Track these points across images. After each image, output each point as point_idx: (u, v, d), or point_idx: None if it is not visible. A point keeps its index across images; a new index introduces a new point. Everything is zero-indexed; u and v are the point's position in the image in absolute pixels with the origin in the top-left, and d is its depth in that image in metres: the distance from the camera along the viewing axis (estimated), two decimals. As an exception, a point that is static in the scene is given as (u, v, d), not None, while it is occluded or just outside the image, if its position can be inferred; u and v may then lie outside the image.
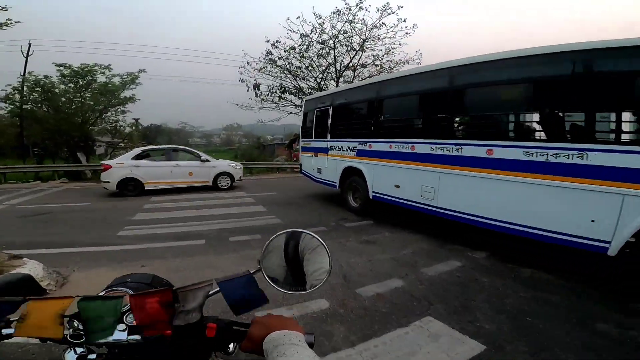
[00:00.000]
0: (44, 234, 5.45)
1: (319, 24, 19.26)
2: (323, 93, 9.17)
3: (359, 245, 5.02)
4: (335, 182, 7.65)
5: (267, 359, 0.54)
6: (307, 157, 8.99)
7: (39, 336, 0.58)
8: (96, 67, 16.96)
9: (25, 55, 17.89)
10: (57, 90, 16.46)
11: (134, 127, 19.45)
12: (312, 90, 20.65)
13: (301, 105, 23.70)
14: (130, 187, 9.77)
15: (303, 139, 9.31)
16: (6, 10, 11.61)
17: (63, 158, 17.51)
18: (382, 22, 19.01)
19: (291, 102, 21.98)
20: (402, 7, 19.07)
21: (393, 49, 19.89)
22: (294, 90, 21.61)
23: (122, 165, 9.78)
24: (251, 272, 0.69)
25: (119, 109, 18.38)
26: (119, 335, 0.62)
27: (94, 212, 7.28)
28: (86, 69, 16.59)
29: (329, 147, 7.80)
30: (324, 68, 20.88)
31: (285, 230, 0.76)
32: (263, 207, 8.01)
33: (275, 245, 0.75)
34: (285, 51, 20.14)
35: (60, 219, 6.61)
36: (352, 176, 7.12)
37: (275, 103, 21.73)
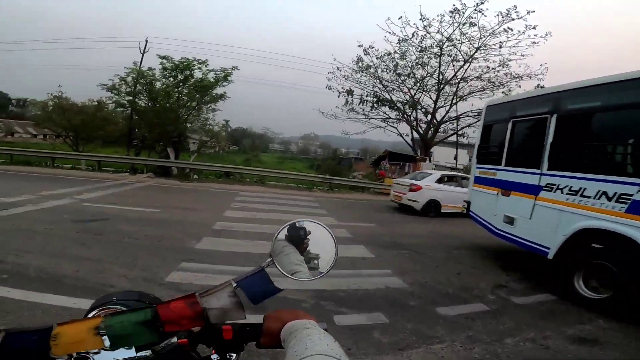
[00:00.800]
0: (74, 257, 3.93)
1: (424, 26, 16.76)
2: (533, 93, 6.05)
3: (570, 347, 2.88)
4: (546, 248, 4.47)
5: (286, 347, 0.56)
6: (484, 194, 6.01)
7: (77, 351, 0.57)
8: (194, 62, 16.88)
9: (141, 51, 18.46)
10: (158, 84, 16.97)
11: (223, 128, 19.36)
12: (402, 106, 18.29)
13: (391, 119, 21.93)
14: (432, 209, 10.23)
15: (480, 165, 6.36)
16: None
17: (157, 152, 17.98)
18: (507, 28, 15.62)
19: (384, 113, 19.74)
20: (532, 11, 15.53)
21: (511, 60, 16.34)
22: (386, 102, 19.41)
23: (430, 188, 10.28)
24: (263, 266, 0.71)
25: (210, 107, 18.23)
26: (126, 353, 0.61)
27: (157, 227, 5.84)
28: (185, 63, 16.62)
29: (542, 184, 4.67)
30: (420, 79, 18.33)
31: (288, 222, 0.76)
32: (367, 249, 5.70)
33: (282, 237, 0.75)
34: (377, 58, 18.16)
35: (114, 231, 5.25)
36: (595, 244, 3.98)
37: (364, 114, 19.81)
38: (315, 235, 0.76)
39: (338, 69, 18.86)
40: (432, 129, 19.68)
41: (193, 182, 13.79)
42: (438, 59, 17.41)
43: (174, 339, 0.63)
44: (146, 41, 19.13)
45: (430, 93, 19.06)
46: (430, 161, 20.02)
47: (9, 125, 52.00)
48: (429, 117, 19.40)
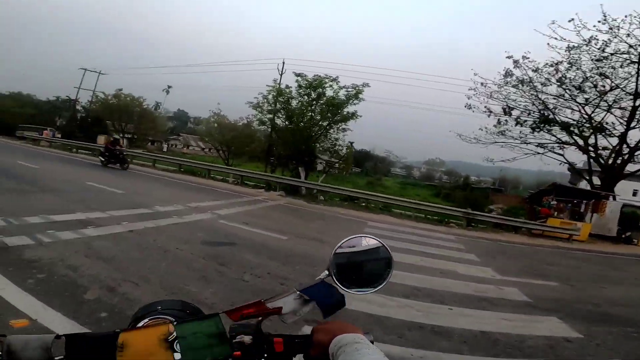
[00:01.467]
0: (190, 295, 3.24)
1: (609, 29, 12.76)
2: None
3: None
4: None
5: None
6: None
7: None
8: (326, 80, 16.85)
9: (280, 72, 20.08)
10: (294, 102, 17.64)
11: (348, 150, 19.00)
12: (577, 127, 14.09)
13: (556, 144, 17.24)
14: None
15: None
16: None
17: (290, 170, 18.77)
18: None
19: (553, 136, 15.67)
20: None
21: None
22: (555, 122, 15.40)
23: None
24: (321, 277, 0.72)
25: (340, 126, 17.96)
26: None
27: (282, 261, 5.00)
28: (317, 81, 16.68)
29: None
30: (601, 92, 13.91)
31: (348, 238, 0.77)
32: (564, 324, 3.62)
33: (340, 251, 0.76)
34: (534, 70, 14.61)
35: (238, 262, 4.59)
36: None
37: (520, 137, 16.17)
38: (371, 250, 0.76)
39: (482, 84, 16.04)
40: (622, 156, 14.63)
41: (320, 204, 13.39)
42: (637, 66, 12.85)
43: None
44: (283, 62, 20.74)
45: (613, 110, 14.34)
46: (615, 199, 14.78)
47: (186, 139, 66.37)
48: (617, 141, 14.56)
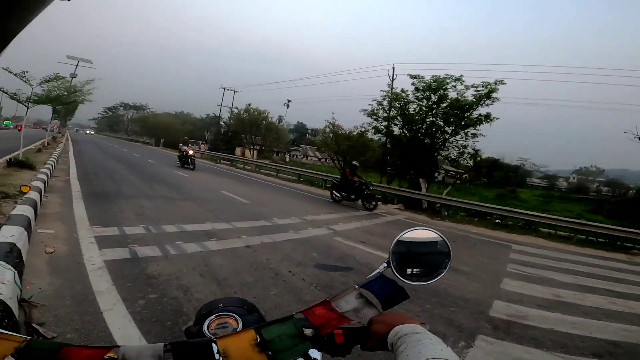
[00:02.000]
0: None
1: None
2: None
3: None
4: None
5: (396, 351, 0.58)
6: None
7: None
8: (447, 80, 14.88)
9: (390, 77, 18.46)
10: (411, 107, 16.27)
11: (478, 157, 16.23)
12: None
13: None
14: None
15: None
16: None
17: (407, 181, 17.29)
18: None
19: None
20: None
21: None
22: None
23: None
24: (380, 270, 0.72)
25: (468, 132, 15.55)
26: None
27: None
28: (437, 82, 14.90)
29: None
30: None
31: (407, 230, 0.77)
32: None
33: (399, 243, 0.76)
34: None
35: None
36: None
37: None
38: (428, 242, 0.77)
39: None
40: None
41: (445, 221, 11.58)
42: None
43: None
44: (393, 68, 18.99)
45: None
46: None
47: (305, 150, 71.23)
48: None
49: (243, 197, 9.56)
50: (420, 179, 15.03)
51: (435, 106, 15.52)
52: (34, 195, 5.07)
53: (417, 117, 16.08)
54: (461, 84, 14.84)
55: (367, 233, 7.53)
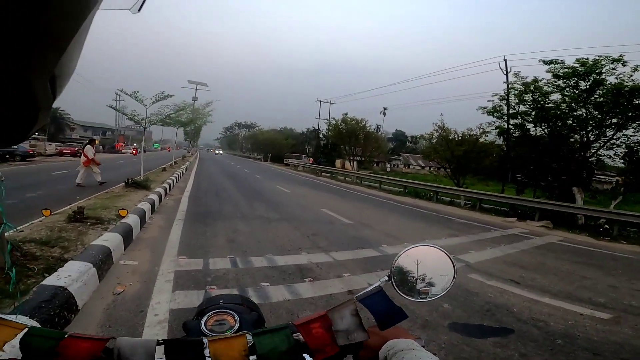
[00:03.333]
0: None
1: None
2: None
3: None
4: None
5: None
6: None
7: None
8: (602, 62, 11.31)
9: (504, 71, 16.32)
10: (548, 100, 12.76)
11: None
12: None
13: None
14: None
15: None
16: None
17: (547, 191, 13.52)
18: None
19: None
20: None
21: None
22: None
23: None
24: (380, 283, 0.68)
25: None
26: None
27: None
28: (587, 65, 11.30)
29: None
30: None
31: (409, 247, 0.73)
32: None
33: (401, 259, 0.72)
34: None
35: None
36: None
37: None
38: (433, 259, 0.73)
39: None
40: None
41: (620, 243, 8.17)
42: None
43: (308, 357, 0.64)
44: (505, 60, 16.59)
45: None
46: None
47: (406, 159, 67.49)
48: None
49: (345, 215, 8.39)
50: (575, 188, 11.38)
51: (585, 95, 11.81)
52: (132, 219, 4.85)
53: (558, 112, 12.49)
54: (623, 65, 10.98)
55: (516, 266, 5.37)
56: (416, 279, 0.72)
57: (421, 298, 0.72)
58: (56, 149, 29.09)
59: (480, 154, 16.00)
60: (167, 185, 9.55)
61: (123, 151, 42.98)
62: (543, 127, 13.33)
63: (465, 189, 14.62)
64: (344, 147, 32.20)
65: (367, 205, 11.09)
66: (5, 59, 0.24)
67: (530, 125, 13.84)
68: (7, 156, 18.97)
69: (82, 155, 10.21)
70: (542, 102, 12.96)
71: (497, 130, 14.82)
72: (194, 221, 6.32)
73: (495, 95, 14.07)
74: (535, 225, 10.03)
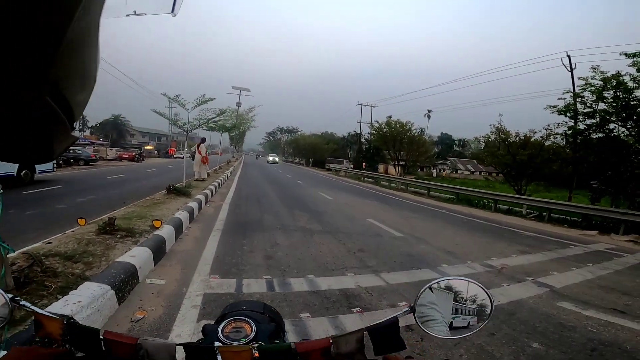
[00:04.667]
0: None
1: None
2: None
3: None
4: None
5: None
6: None
7: None
8: None
9: (568, 68, 15.10)
10: (633, 97, 10.78)
11: None
12: None
13: None
14: None
15: None
16: None
17: (629, 199, 11.46)
18: None
19: None
20: None
21: None
22: None
23: None
24: (397, 314, 0.65)
25: None
26: None
27: None
28: None
29: None
30: None
31: (447, 277, 0.67)
32: None
33: (430, 291, 0.67)
34: None
35: None
36: None
37: None
38: (467, 294, 0.67)
39: None
40: None
41: None
42: None
43: None
44: (569, 56, 15.29)
45: None
46: None
47: (454, 163, 63.80)
48: None
49: (394, 227, 7.57)
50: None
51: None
52: (166, 231, 4.54)
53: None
54: None
55: (616, 291, 4.30)
56: (444, 314, 0.66)
57: (449, 335, 0.66)
58: (116, 153, 31.46)
59: (548, 158, 14.12)
60: (208, 192, 9.43)
61: (175, 156, 45.59)
62: (629, 127, 11.36)
63: (531, 197, 12.96)
64: (388, 152, 30.91)
65: (416, 215, 10.11)
66: None
67: (612, 125, 11.90)
68: (72, 160, 20.64)
69: (197, 153, 12.43)
70: (626, 99, 11.06)
71: (570, 131, 12.94)
72: (234, 232, 5.94)
73: (567, 92, 12.32)
74: (621, 240, 8.40)
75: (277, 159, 55.07)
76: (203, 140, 13.59)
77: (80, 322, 0.67)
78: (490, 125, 16.31)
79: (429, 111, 62.67)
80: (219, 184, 12.01)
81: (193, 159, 13.03)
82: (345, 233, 6.58)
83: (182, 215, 5.75)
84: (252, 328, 0.74)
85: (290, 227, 6.69)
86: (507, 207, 12.90)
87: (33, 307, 0.66)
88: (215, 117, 10.65)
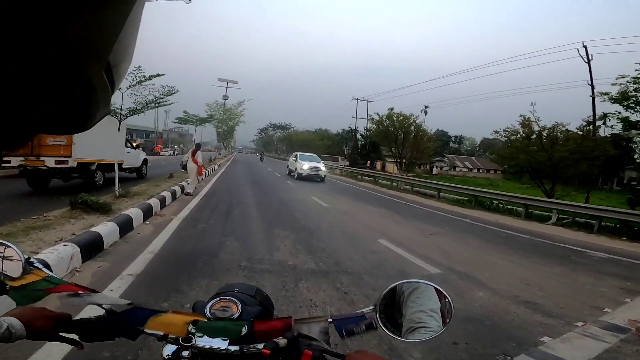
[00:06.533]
0: None
1: None
2: None
3: None
4: None
5: None
6: None
7: (165, 332, 0.65)
8: None
9: (585, 59, 15.10)
10: None
11: None
12: None
13: None
14: None
15: None
16: None
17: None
18: None
19: None
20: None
21: None
22: None
23: None
24: (364, 311, 0.68)
25: None
26: (221, 344, 0.65)
27: None
28: None
29: None
30: None
31: (410, 280, 0.69)
32: None
33: (391, 293, 0.69)
34: None
35: None
36: None
37: None
38: (428, 298, 0.68)
39: None
40: None
41: None
42: None
43: (260, 346, 0.64)
44: (585, 47, 15.08)
45: None
46: None
47: (452, 160, 61.88)
48: None
49: (419, 254, 5.12)
50: None
51: None
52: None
53: None
54: None
55: None
56: (407, 316, 0.66)
57: (408, 338, 0.67)
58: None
59: (589, 155, 11.82)
60: (157, 201, 6.85)
61: (161, 153, 42.40)
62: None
63: (557, 201, 10.73)
64: (389, 148, 28.38)
65: (440, 229, 7.63)
66: (61, 46, 0.22)
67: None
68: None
69: (192, 162, 9.73)
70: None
71: (622, 123, 10.71)
72: (155, 280, 3.38)
73: (621, 76, 10.06)
74: None
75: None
76: (199, 146, 10.70)
77: None
78: (520, 115, 14.02)
79: (426, 107, 60.36)
80: (178, 190, 9.31)
81: (185, 170, 10.21)
82: (350, 272, 4.06)
83: (65, 252, 3.18)
84: (238, 308, 0.74)
85: (261, 264, 4.12)
86: (529, 210, 10.63)
87: (45, 270, 0.69)
88: (162, 98, 8.00)
